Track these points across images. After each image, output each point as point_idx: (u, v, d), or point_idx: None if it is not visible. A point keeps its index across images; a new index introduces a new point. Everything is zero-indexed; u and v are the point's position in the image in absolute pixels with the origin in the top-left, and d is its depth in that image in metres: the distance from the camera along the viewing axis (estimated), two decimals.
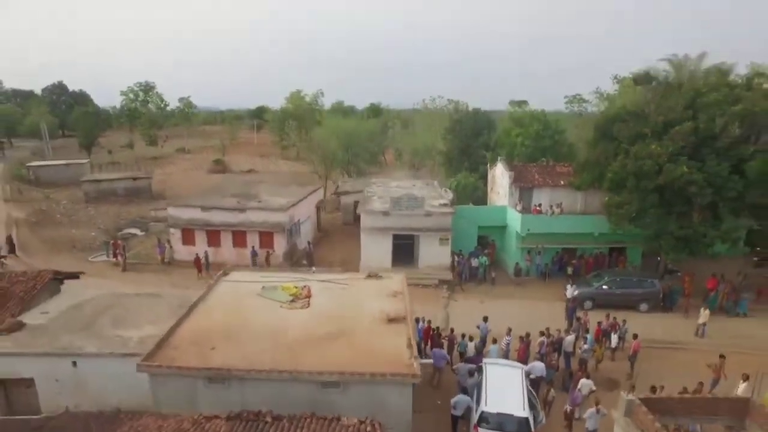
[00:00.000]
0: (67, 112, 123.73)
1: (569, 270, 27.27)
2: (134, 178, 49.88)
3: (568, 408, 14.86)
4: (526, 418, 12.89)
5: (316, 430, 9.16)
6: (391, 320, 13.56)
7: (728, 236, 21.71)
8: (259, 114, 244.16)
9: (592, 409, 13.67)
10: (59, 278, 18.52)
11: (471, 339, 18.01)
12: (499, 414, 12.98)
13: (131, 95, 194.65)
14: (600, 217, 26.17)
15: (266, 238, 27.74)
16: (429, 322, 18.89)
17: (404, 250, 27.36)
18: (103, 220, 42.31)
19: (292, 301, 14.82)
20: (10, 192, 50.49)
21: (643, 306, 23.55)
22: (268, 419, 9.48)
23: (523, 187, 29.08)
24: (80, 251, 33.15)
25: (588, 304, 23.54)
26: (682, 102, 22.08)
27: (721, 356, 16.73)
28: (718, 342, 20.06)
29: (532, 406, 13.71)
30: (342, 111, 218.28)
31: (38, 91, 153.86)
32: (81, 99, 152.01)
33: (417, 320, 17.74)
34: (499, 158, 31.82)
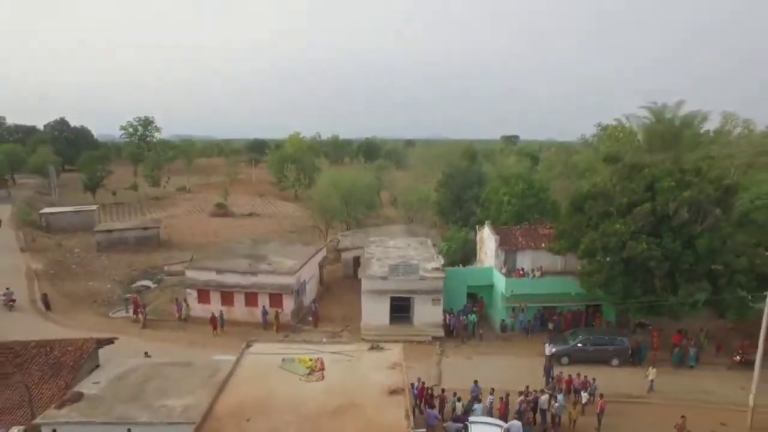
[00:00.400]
0: (68, 147, 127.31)
1: (550, 326, 30.25)
2: (144, 228, 52.82)
3: None
4: None
5: None
6: (392, 392, 16.38)
7: (685, 301, 24.82)
8: (256, 148, 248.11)
9: None
10: (99, 346, 21.29)
11: (459, 399, 20.78)
12: None
13: (131, 129, 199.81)
14: (577, 279, 29.30)
15: (275, 298, 30.58)
16: (423, 383, 21.60)
17: (401, 309, 30.24)
18: (116, 270, 44.98)
19: (309, 373, 17.61)
20: (24, 240, 53.08)
21: (615, 361, 26.40)
22: None
23: (507, 249, 32.29)
24: (100, 306, 35.76)
25: (565, 360, 26.39)
26: (642, 185, 25.55)
27: (683, 417, 19.55)
28: (675, 396, 23.00)
29: None
30: (338, 146, 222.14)
31: (40, 126, 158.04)
32: (82, 135, 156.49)
33: (412, 384, 20.52)
34: (486, 222, 35.10)
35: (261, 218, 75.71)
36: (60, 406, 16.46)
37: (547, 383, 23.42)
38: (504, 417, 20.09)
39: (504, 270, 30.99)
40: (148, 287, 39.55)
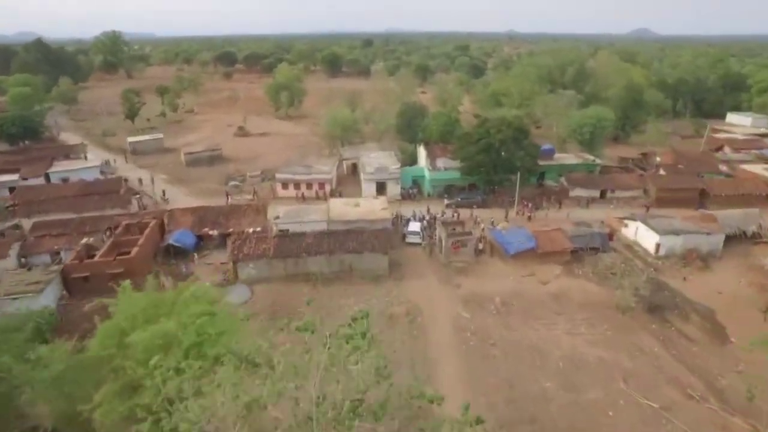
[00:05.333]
0: (53, 69, 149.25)
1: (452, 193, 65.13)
2: (212, 150, 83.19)
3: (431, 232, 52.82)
4: (419, 232, 50.62)
5: (372, 227, 45.94)
6: (383, 209, 50.66)
7: (502, 178, 59.38)
8: (225, 59, 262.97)
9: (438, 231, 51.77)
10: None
11: (408, 218, 55.55)
12: (412, 231, 50.69)
13: (100, 45, 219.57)
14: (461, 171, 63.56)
15: (321, 185, 63.75)
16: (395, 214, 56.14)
17: (381, 187, 63.99)
18: (210, 177, 76.20)
19: (356, 206, 51.58)
20: (126, 160, 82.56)
21: (475, 206, 61.47)
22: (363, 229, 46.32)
23: (431, 157, 66.05)
24: (219, 195, 67.52)
25: (453, 206, 61.32)
26: (485, 129, 58.99)
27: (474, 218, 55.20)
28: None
29: (421, 230, 51.33)
30: (303, 56, 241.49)
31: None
32: (64, 57, 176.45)
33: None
34: (422, 143, 68.55)
35: (273, 137, 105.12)
36: (276, 218, 49.91)
37: (443, 213, 57.99)
38: (420, 221, 54.82)
39: (431, 168, 64.97)
40: (238, 184, 71.46)
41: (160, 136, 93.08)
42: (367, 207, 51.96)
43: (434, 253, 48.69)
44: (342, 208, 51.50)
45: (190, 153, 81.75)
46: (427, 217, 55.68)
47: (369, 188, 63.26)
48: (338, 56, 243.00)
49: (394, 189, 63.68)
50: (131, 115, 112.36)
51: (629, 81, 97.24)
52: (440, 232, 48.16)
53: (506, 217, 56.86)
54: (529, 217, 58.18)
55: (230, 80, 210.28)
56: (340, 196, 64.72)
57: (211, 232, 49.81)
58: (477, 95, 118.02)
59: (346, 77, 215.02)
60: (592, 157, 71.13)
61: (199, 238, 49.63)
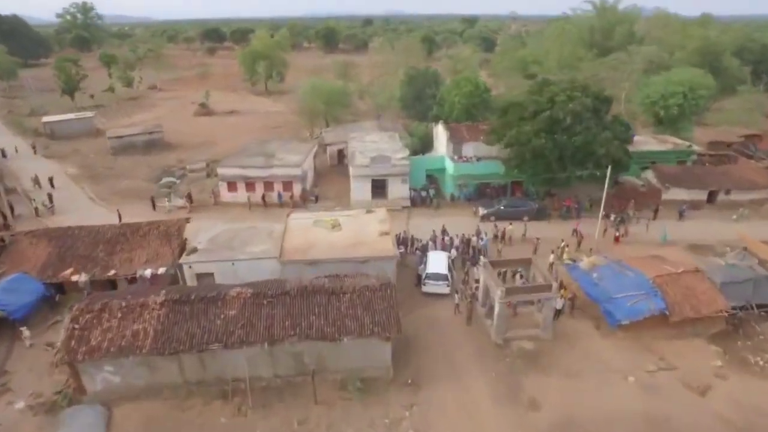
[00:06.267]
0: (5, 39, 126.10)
1: (486, 197, 42.82)
2: (150, 132, 61.01)
3: (466, 269, 30.69)
4: (446, 275, 28.58)
5: (363, 282, 24.10)
6: (383, 234, 28.53)
7: (570, 176, 37.31)
8: (212, 35, 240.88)
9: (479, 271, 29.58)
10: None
11: (420, 240, 33.49)
12: (434, 273, 28.60)
13: (68, 17, 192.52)
14: (503, 163, 41.34)
15: (287, 185, 41.62)
16: (399, 234, 33.95)
17: (378, 187, 41.90)
18: (139, 171, 54.17)
19: (332, 227, 29.46)
20: (37, 148, 60.41)
21: (525, 218, 39.41)
22: (344, 278, 24.35)
23: (455, 141, 43.69)
24: (144, 200, 45.61)
25: (492, 218, 39.27)
26: (545, 98, 36.62)
27: (537, 239, 33.22)
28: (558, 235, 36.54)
29: (449, 270, 29.36)
30: (295, 32, 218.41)
31: None
32: (18, 26, 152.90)
33: (397, 236, 32.92)
34: (440, 121, 46.02)
35: (243, 115, 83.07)
36: (189, 254, 27.97)
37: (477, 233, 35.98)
38: (447, 249, 32.86)
39: (456, 157, 42.67)
40: (174, 182, 49.50)
41: (89, 115, 70.81)
42: (353, 228, 29.86)
43: (474, 314, 26.87)
44: (306, 235, 29.34)
45: (118, 137, 59.57)
46: (456, 242, 33.63)
47: (361, 189, 41.27)
48: (334, 31, 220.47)
49: (399, 190, 41.68)
50: (69, 89, 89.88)
51: (704, 42, 74.03)
52: (485, 279, 26.29)
53: (576, 236, 35.10)
54: (617, 238, 36.24)
55: (214, 56, 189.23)
56: (317, 201, 42.59)
57: (75, 278, 27.93)
58: (494, 68, 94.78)
59: (343, 53, 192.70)
60: (686, 142, 48.84)
61: (54, 288, 27.91)
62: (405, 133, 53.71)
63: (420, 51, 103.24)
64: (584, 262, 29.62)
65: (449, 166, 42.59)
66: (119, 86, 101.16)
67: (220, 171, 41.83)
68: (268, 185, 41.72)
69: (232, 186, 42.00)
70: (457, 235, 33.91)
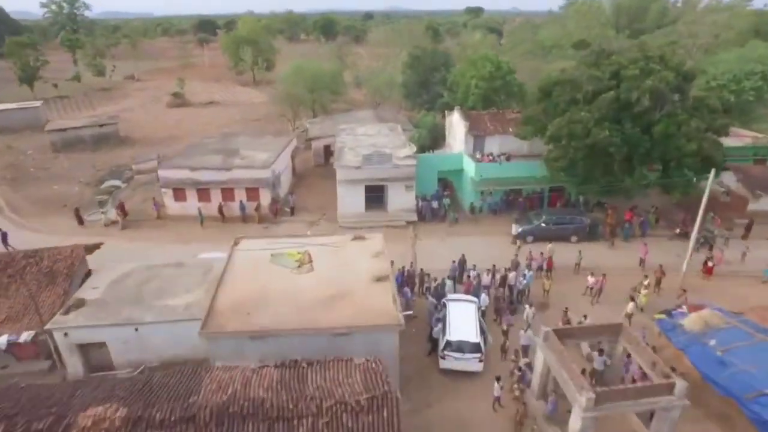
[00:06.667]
0: None
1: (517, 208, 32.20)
2: (100, 125, 50.42)
3: (504, 326, 20.14)
4: (478, 343, 18.03)
5: (338, 369, 13.68)
6: (378, 279, 17.97)
7: (638, 182, 26.73)
8: (205, 27, 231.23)
9: (526, 334, 19.00)
10: (88, 252, 21.81)
11: (435, 279, 22.89)
12: (459, 341, 18.05)
13: (54, 7, 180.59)
14: (540, 163, 30.73)
15: (252, 192, 31.08)
16: (404, 268, 23.41)
17: (375, 196, 31.37)
18: (80, 171, 43.69)
19: (299, 266, 18.91)
20: None
21: (574, 238, 28.87)
22: (304, 365, 13.90)
23: (476, 134, 33.08)
24: (70, 210, 35.35)
25: (530, 238, 28.72)
26: (608, 72, 25.95)
27: (604, 275, 22.60)
28: (626, 264, 25.90)
29: (482, 331, 18.83)
30: (293, 23, 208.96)
31: None
32: None
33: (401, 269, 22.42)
34: (456, 107, 35.33)
35: (222, 107, 72.87)
36: (66, 312, 17.46)
37: (516, 267, 25.23)
38: (474, 293, 22.30)
39: (478, 155, 32.06)
40: (118, 187, 39.06)
41: (35, 104, 60.13)
42: (333, 267, 19.12)
43: (528, 413, 16.31)
44: (258, 279, 18.57)
45: (60, 130, 48.96)
46: (486, 279, 22.92)
47: (350, 199, 30.66)
48: (333, 22, 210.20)
49: (402, 199, 31.11)
50: (26, 78, 79.22)
51: (761, 18, 62.96)
52: (549, 362, 15.63)
53: (643, 266, 24.53)
54: (710, 269, 25.59)
55: (205, 48, 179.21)
56: (293, 213, 32.14)
57: None
58: (507, 55, 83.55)
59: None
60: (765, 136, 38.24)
61: None
62: (409, 124, 43.10)
63: (424, 36, 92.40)
64: (691, 320, 19.05)
65: (469, 167, 31.96)
66: (89, 75, 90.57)
67: (162, 174, 31.20)
68: (228, 193, 31.16)
69: (179, 194, 31.44)
70: (488, 271, 23.29)
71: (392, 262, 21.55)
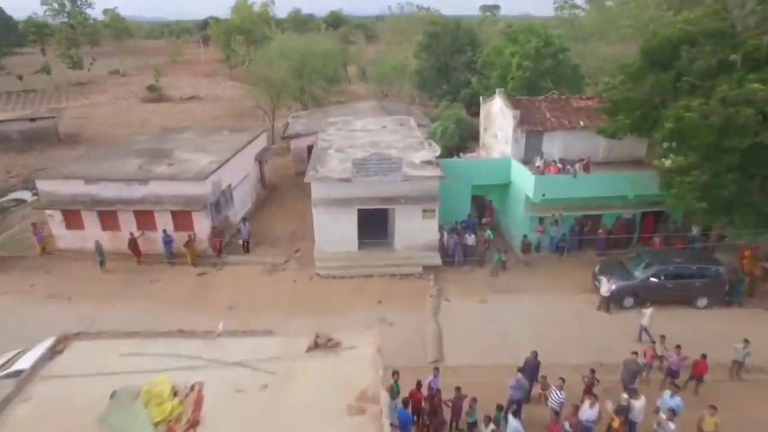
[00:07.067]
0: None
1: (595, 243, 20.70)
2: (32, 119, 39.69)
3: None
4: None
5: None
6: None
7: None
8: (207, 26, 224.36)
9: None
10: None
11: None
12: None
13: (55, 5, 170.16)
14: (639, 174, 19.26)
15: (182, 217, 19.85)
16: (418, 385, 12.03)
17: (375, 225, 20.04)
18: None
19: (166, 425, 7.59)
20: None
21: (702, 301, 17.37)
22: None
23: (531, 130, 21.68)
24: None
25: (629, 301, 17.26)
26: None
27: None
28: None
29: None
30: (299, 21, 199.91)
31: None
32: None
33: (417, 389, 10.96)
34: (498, 90, 23.89)
35: (204, 102, 62.95)
36: None
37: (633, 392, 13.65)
38: None
39: (538, 163, 20.67)
40: (22, 201, 28.27)
41: None
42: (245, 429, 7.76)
43: None
44: None
45: None
46: (593, 414, 11.36)
47: (333, 229, 19.31)
48: (341, 19, 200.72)
49: (417, 231, 19.60)
50: None
51: None
52: None
53: None
54: None
55: (204, 47, 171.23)
56: (247, 250, 20.87)
57: None
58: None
59: (351, 45, 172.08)
60: None
61: None
62: (425, 118, 31.84)
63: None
64: None
65: (523, 180, 20.39)
66: (63, 68, 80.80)
67: (42, 188, 20.06)
68: (144, 217, 19.93)
69: (72, 218, 20.28)
70: (587, 393, 11.72)
71: (395, 375, 10.53)
